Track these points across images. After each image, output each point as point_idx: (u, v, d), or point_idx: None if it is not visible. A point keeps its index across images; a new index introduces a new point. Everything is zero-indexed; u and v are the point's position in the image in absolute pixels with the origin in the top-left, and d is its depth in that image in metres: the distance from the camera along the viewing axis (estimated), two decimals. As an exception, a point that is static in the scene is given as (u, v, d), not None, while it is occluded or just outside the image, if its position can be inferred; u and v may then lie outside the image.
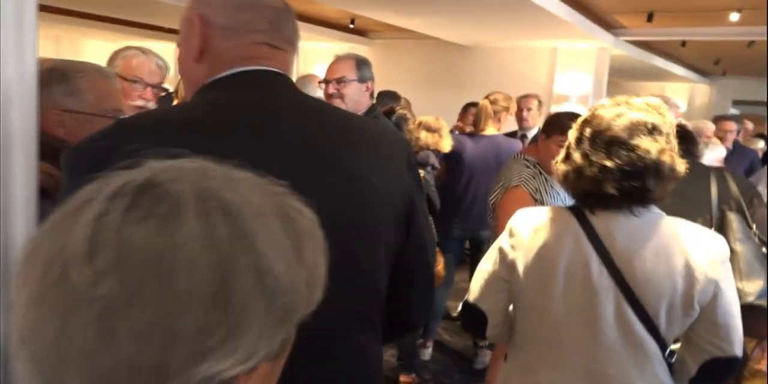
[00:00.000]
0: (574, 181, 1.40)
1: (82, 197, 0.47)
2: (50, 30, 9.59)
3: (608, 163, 1.33)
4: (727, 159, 4.63)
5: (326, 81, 2.72)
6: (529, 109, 4.97)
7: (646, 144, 1.33)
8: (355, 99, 2.65)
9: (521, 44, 7.63)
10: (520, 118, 4.81)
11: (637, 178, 1.33)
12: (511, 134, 4.75)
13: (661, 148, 1.34)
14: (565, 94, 7.50)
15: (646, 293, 1.33)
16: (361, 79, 2.67)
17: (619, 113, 1.37)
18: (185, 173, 0.48)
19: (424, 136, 3.77)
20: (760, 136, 9.30)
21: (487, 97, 4.23)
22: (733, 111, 12.70)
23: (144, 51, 2.13)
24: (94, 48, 10.92)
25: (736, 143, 5.31)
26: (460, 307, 1.64)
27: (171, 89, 3.41)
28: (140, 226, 0.43)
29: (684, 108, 12.69)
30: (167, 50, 10.10)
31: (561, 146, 1.58)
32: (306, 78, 4.05)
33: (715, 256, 1.35)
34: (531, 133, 4.97)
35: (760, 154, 6.10)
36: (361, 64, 2.70)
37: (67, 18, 7.63)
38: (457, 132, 4.94)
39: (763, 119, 12.86)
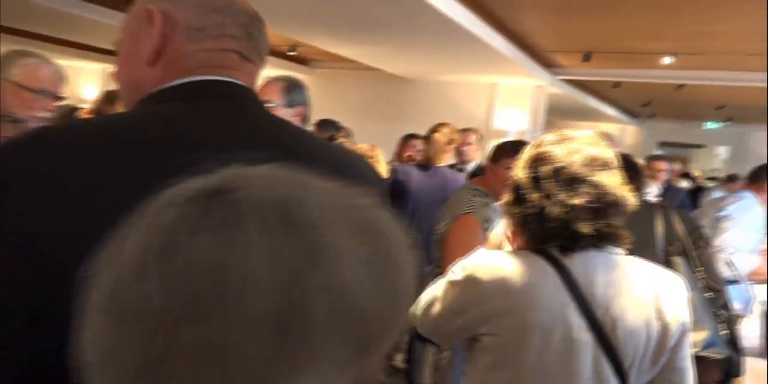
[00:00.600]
0: (535, 223, 1.28)
1: (156, 205, 0.44)
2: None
3: (576, 201, 1.23)
4: (659, 198, 4.72)
5: None
6: (468, 144, 4.93)
7: (606, 179, 1.26)
8: None
9: (462, 79, 7.67)
10: (459, 152, 4.77)
11: (604, 216, 1.25)
12: (449, 167, 4.71)
13: (619, 182, 1.28)
14: (504, 129, 7.54)
15: (625, 345, 1.23)
16: (289, 104, 2.49)
17: (572, 149, 1.29)
18: (261, 181, 0.45)
19: None
20: (685, 175, 9.71)
21: (435, 130, 4.16)
22: (659, 151, 13.27)
23: (45, 59, 1.90)
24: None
25: (667, 182, 5.41)
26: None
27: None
28: (210, 238, 0.40)
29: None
30: (92, 70, 9.72)
31: (509, 168, 1.60)
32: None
33: (681, 297, 1.29)
34: (469, 167, 4.91)
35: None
36: (292, 87, 2.52)
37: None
38: (396, 163, 4.82)
39: (686, 160, 13.48)
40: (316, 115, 8.51)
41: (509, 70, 6.70)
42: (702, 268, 1.95)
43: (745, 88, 7.15)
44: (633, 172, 2.22)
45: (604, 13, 4.80)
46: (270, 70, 7.66)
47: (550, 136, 1.34)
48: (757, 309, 2.65)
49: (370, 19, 4.93)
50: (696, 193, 8.32)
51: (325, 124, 5.27)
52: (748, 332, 2.60)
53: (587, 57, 6.39)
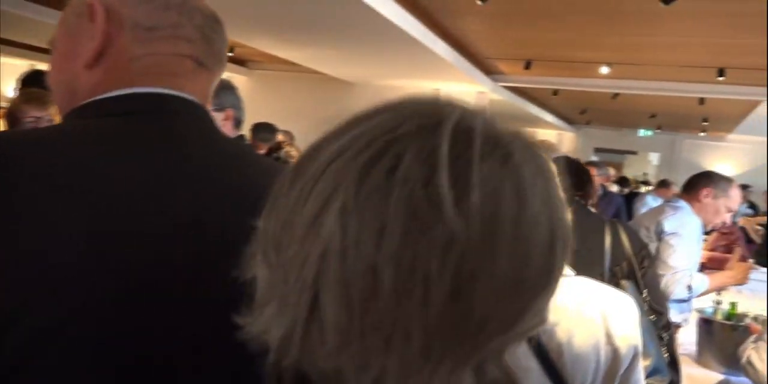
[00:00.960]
0: None
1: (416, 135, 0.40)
2: None
3: None
4: (597, 204, 4.80)
5: None
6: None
7: None
8: None
9: (404, 83, 7.65)
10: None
11: None
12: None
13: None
14: (446, 135, 7.56)
15: (573, 372, 1.16)
16: (218, 107, 2.36)
17: None
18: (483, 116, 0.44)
19: None
20: (621, 181, 10.00)
21: None
22: (595, 157, 13.66)
23: None
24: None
25: (603, 188, 5.52)
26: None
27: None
28: (493, 169, 0.39)
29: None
30: (17, 66, 9.22)
31: None
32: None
33: (632, 318, 1.22)
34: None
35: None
36: (220, 89, 2.39)
37: None
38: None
39: (619, 165, 13.92)
40: (255, 117, 8.34)
41: (451, 76, 6.72)
42: (646, 290, 1.92)
43: (677, 97, 7.41)
44: (582, 178, 2.19)
45: (545, 22, 4.85)
46: (207, 72, 7.41)
47: None
48: (693, 317, 2.68)
49: (311, 20, 4.83)
50: (631, 198, 8.60)
51: (261, 128, 5.13)
52: (684, 340, 2.63)
53: (528, 65, 6.47)
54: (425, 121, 0.41)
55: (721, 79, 5.79)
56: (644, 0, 3.84)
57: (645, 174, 13.53)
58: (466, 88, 7.38)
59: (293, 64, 7.05)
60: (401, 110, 0.44)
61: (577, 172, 2.34)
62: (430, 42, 5.15)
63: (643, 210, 8.34)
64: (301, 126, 7.46)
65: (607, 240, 1.98)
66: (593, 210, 2.33)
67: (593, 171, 5.31)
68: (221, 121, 2.33)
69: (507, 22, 5.05)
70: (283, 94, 8.22)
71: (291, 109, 8.08)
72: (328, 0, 3.99)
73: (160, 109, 0.72)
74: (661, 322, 1.83)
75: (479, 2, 4.06)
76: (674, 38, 4.93)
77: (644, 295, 1.90)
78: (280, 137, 6.19)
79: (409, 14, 4.59)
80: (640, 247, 2.00)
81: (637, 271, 1.92)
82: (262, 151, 4.02)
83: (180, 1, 0.76)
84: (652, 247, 2.54)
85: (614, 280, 1.87)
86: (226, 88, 2.42)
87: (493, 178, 0.38)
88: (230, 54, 7.28)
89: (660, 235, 2.60)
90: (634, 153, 14.01)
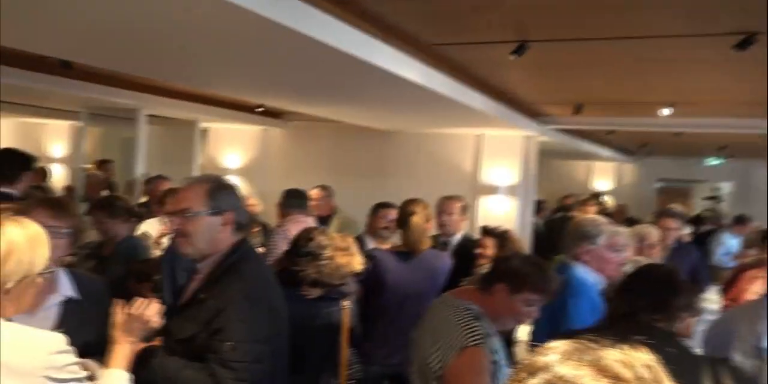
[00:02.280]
0: None
1: None
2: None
3: None
4: (670, 257, 4.15)
5: (170, 213, 2.10)
6: (450, 214, 4.38)
7: None
8: (206, 237, 1.97)
9: (444, 131, 7.18)
10: (439, 223, 4.20)
11: None
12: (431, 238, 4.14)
13: None
14: (493, 184, 7.01)
15: None
16: (215, 211, 1.96)
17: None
18: None
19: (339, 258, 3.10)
20: (695, 219, 9.07)
21: (410, 213, 3.59)
22: (658, 185, 12.76)
23: None
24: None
25: (678, 242, 4.80)
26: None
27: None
28: None
29: (611, 185, 12.63)
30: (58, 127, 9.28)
31: (530, 305, 1.97)
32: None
33: None
34: (454, 240, 4.35)
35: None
36: (217, 190, 2.00)
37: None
38: (370, 243, 4.27)
39: (685, 192, 12.95)
40: (293, 170, 8.08)
41: (495, 124, 6.21)
42: None
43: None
44: (662, 294, 1.80)
45: (592, 72, 4.32)
46: (243, 126, 7.31)
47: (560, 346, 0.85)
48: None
49: (328, 86, 4.46)
50: (703, 239, 7.76)
51: (291, 194, 4.73)
52: None
53: (578, 108, 5.92)
54: None
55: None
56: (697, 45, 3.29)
57: (715, 193, 12.40)
58: (511, 133, 6.84)
59: (326, 115, 6.72)
60: None
61: (655, 286, 1.89)
62: (462, 96, 4.68)
63: (720, 250, 7.54)
64: (339, 177, 7.11)
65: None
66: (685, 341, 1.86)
67: (671, 223, 4.68)
68: (219, 227, 1.96)
69: (548, 72, 4.54)
70: (319, 145, 7.89)
71: (327, 159, 7.73)
72: (341, 69, 3.59)
73: None
74: None
75: (512, 58, 3.58)
76: (733, 76, 4.30)
77: None
78: (313, 195, 5.80)
79: (436, 71, 4.13)
80: None
81: None
82: (290, 233, 3.58)
83: None
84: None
85: None
86: (224, 188, 2.01)
87: None
88: (260, 109, 7.01)
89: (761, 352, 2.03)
90: (702, 181, 13.02)
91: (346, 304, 2.92)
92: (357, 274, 3.21)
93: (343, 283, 2.96)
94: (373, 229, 4.42)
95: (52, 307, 1.95)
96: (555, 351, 0.85)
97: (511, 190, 6.98)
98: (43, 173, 7.14)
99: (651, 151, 11.20)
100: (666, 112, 5.57)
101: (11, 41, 3.45)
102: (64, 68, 4.79)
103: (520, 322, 2.19)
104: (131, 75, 5.24)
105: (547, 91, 5.46)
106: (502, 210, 6.95)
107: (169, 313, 2.01)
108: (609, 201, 11.48)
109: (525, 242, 4.76)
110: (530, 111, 6.45)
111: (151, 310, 1.78)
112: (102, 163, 7.17)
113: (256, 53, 3.44)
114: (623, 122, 6.72)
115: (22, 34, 3.26)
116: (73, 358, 1.43)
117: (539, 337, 2.73)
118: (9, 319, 1.42)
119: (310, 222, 4.37)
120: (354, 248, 3.20)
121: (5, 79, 4.82)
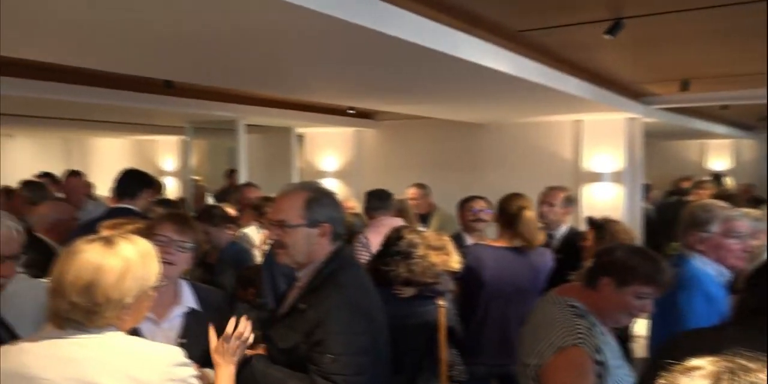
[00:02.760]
0: None
1: None
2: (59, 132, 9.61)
3: None
4: None
5: (268, 222, 2.12)
6: (552, 205, 4.20)
7: None
8: (304, 250, 1.98)
9: (540, 119, 6.93)
10: (540, 214, 4.02)
11: None
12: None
13: None
14: (597, 171, 6.69)
15: None
16: (312, 223, 1.96)
17: None
18: None
19: (433, 257, 3.06)
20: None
21: (516, 205, 3.46)
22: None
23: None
24: (103, 143, 10.81)
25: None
26: None
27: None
28: None
29: (729, 164, 11.75)
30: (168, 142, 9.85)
31: (642, 298, 1.90)
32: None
33: None
34: (559, 233, 4.18)
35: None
36: (314, 201, 1.98)
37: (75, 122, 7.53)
38: (468, 239, 4.18)
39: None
40: (388, 169, 8.11)
41: (594, 108, 5.92)
42: None
43: None
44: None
45: (695, 45, 4.01)
46: (336, 128, 7.42)
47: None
48: None
49: (421, 82, 4.40)
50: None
51: (373, 195, 4.55)
52: None
53: (685, 85, 5.53)
54: None
55: None
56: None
57: None
58: (613, 116, 6.50)
59: (418, 112, 6.67)
60: None
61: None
62: (555, 82, 4.47)
63: None
64: (435, 173, 7.05)
65: None
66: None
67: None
68: (316, 238, 1.95)
69: (648, 48, 4.26)
70: (412, 142, 7.86)
71: (422, 156, 7.68)
72: (427, 65, 3.53)
73: None
74: None
75: (606, 37, 3.38)
76: None
77: None
78: (411, 193, 5.77)
79: (525, 58, 3.98)
80: None
81: None
82: (380, 232, 3.55)
83: None
84: None
85: None
86: (323, 197, 2.00)
87: None
88: (352, 111, 7.07)
89: None
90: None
91: (442, 302, 2.87)
92: (454, 273, 3.15)
93: (436, 281, 2.91)
94: (464, 224, 4.33)
95: (176, 318, 2.02)
96: (701, 373, 0.76)
97: (616, 177, 6.63)
98: (159, 188, 7.58)
99: (773, 125, 10.29)
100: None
101: (121, 67, 3.68)
102: (167, 87, 5.07)
103: (634, 316, 2.05)
104: (227, 88, 5.45)
105: (648, 69, 5.13)
106: (608, 197, 6.63)
107: (271, 321, 2.05)
108: (729, 181, 10.70)
109: (635, 231, 4.49)
110: (631, 92, 6.10)
111: (244, 328, 1.83)
112: (231, 173, 7.50)
113: (341, 57, 3.45)
114: (737, 96, 6.20)
115: (131, 58, 3.50)
116: (192, 370, 1.49)
117: (657, 334, 2.56)
118: (134, 331, 1.49)
119: (395, 223, 4.33)
120: (450, 247, 3.14)
121: (119, 101, 5.21)
